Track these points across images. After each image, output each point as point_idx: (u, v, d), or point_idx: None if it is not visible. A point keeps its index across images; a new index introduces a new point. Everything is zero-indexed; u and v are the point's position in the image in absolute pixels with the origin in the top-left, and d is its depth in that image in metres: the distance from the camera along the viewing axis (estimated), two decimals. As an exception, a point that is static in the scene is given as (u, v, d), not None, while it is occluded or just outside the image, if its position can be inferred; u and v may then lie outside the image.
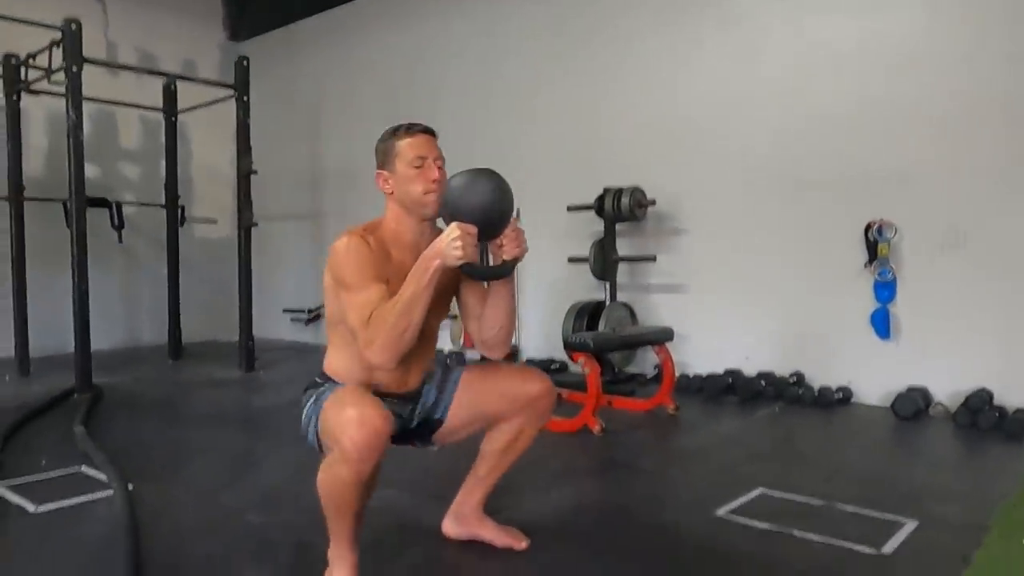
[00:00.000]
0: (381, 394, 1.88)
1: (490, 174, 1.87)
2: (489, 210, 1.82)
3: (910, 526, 2.30)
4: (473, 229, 1.77)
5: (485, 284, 1.97)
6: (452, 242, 1.73)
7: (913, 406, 3.81)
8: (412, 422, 2.04)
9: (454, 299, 2.06)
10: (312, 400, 1.90)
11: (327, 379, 1.95)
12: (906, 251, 4.08)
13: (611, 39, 5.22)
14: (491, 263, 1.89)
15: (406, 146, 1.91)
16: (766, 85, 4.53)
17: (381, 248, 1.89)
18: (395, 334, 1.73)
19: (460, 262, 1.75)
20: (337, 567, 1.87)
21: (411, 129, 1.93)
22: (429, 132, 1.95)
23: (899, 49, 4.07)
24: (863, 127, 4.18)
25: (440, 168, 1.92)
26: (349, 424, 1.66)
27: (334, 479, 1.73)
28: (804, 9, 4.40)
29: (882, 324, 4.12)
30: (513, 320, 2.01)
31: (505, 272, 1.91)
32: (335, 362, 1.96)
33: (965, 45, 3.88)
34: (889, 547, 2.15)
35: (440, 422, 2.07)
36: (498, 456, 2.12)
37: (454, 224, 1.76)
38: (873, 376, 4.17)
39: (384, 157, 1.94)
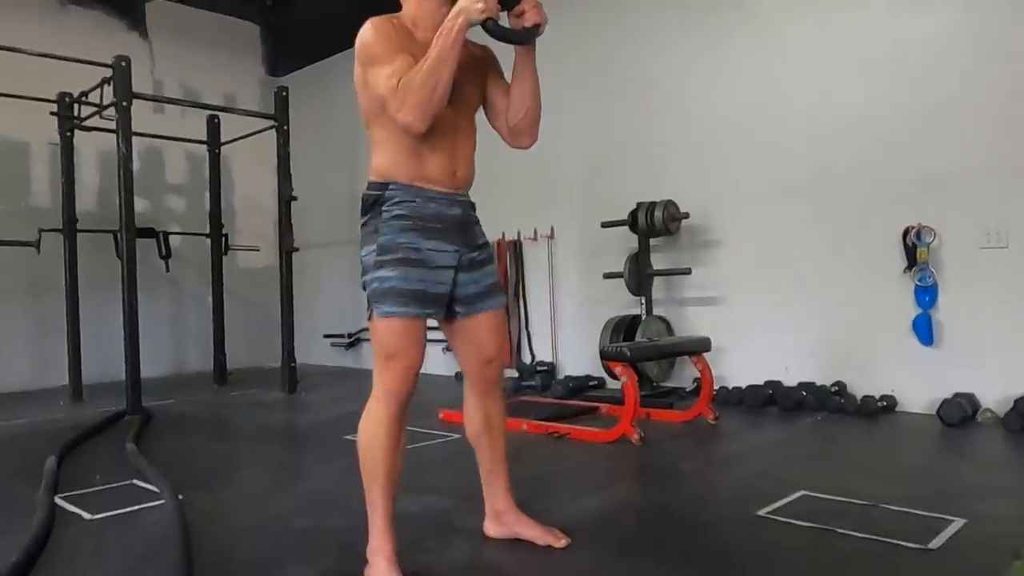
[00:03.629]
0: (435, 217, 1.97)
1: None
2: None
3: (958, 523, 2.25)
4: None
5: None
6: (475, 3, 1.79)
7: (960, 412, 3.73)
8: (459, 277, 2.03)
9: None
10: (373, 254, 1.94)
11: (381, 187, 1.98)
12: (946, 255, 4.02)
13: (637, 53, 5.29)
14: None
15: None
16: (796, 92, 4.54)
17: (404, 28, 1.96)
18: (425, 92, 1.79)
19: (483, 16, 1.80)
20: (375, 562, 1.91)
21: None
22: None
23: (932, 49, 4.04)
24: (896, 130, 4.16)
25: None
26: (385, 375, 1.93)
27: (372, 417, 1.93)
28: (833, 11, 4.39)
29: (924, 330, 4.06)
30: (538, 104, 2.08)
31: (528, 37, 1.96)
32: (381, 160, 2.00)
33: (1002, 44, 3.84)
34: (936, 543, 2.11)
35: (456, 315, 2.09)
36: (485, 440, 2.20)
37: None
38: (917, 384, 4.10)
39: None
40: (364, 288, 1.99)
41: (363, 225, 2.02)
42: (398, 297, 1.90)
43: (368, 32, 1.91)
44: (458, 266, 2.02)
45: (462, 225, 2.05)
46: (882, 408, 4.09)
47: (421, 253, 1.95)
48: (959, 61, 3.96)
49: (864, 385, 4.26)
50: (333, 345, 7.39)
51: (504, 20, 1.92)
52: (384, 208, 1.96)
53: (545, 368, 5.64)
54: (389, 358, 1.91)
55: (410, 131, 1.87)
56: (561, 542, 2.16)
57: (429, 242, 1.96)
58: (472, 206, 2.13)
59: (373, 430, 1.93)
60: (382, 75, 1.85)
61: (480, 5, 1.79)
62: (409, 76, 1.81)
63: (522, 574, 2.04)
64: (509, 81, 2.09)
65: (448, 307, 2.07)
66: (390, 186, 1.97)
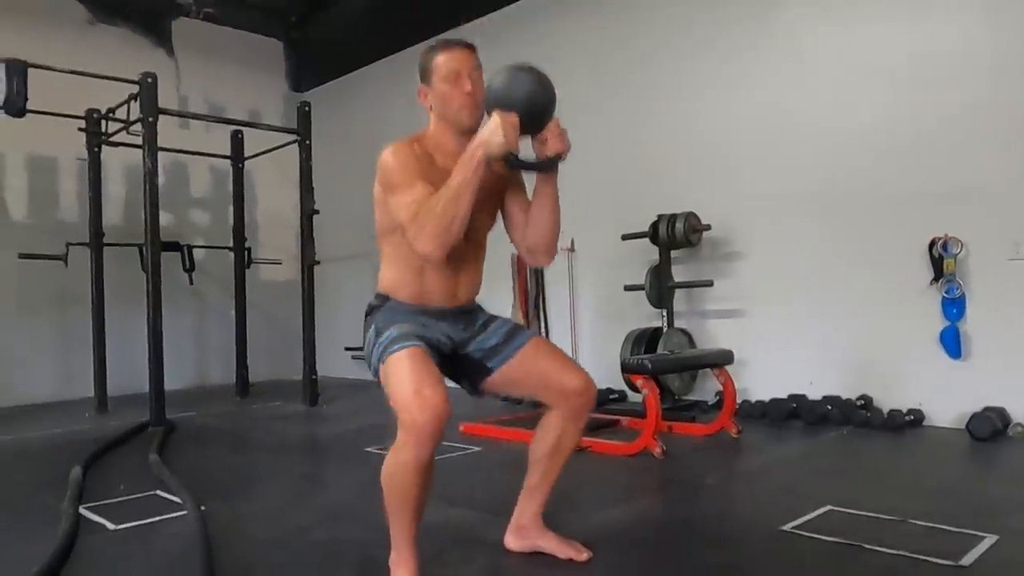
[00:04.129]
0: (432, 312, 1.99)
1: (530, 68, 1.90)
2: (530, 100, 1.84)
3: (990, 540, 2.20)
4: (514, 117, 1.80)
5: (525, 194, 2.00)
6: (494, 130, 1.79)
7: (990, 427, 3.66)
8: (469, 347, 2.07)
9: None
10: (373, 333, 1.97)
11: (383, 299, 2.03)
12: (973, 266, 3.96)
13: (657, 65, 5.28)
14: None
15: (442, 61, 1.97)
16: (819, 103, 4.51)
17: (426, 154, 1.96)
18: (444, 223, 1.79)
19: (503, 150, 1.79)
20: (397, 571, 1.90)
21: (448, 45, 2.00)
22: (466, 46, 2.01)
23: (956, 59, 4.00)
24: (922, 140, 4.11)
25: (476, 80, 1.97)
26: (412, 407, 1.73)
27: (398, 464, 1.79)
28: (854, 22, 4.37)
29: (952, 343, 3.99)
30: (557, 226, 2.05)
31: (549, 166, 1.92)
32: (387, 275, 2.04)
33: (1024, 55, 3.81)
34: (968, 559, 2.06)
35: (491, 371, 2.09)
36: (546, 461, 2.13)
37: (496, 113, 1.81)
38: (945, 397, 4.03)
39: (423, 73, 2.01)
40: (376, 373, 1.95)
41: (365, 320, 2.06)
42: (401, 336, 1.88)
43: (389, 158, 1.91)
44: (457, 344, 2.05)
45: (460, 313, 2.08)
46: (909, 422, 4.02)
47: (420, 320, 1.98)
48: (984, 69, 3.92)
49: (890, 399, 4.20)
50: (354, 358, 7.40)
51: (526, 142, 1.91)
52: (383, 310, 2.02)
53: (566, 381, 5.60)
54: (410, 395, 1.75)
55: (428, 260, 1.88)
56: (583, 556, 2.13)
57: (426, 318, 2.00)
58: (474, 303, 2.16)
59: (400, 476, 1.80)
60: (402, 202, 1.86)
61: (500, 139, 1.78)
62: (428, 206, 1.81)
63: (543, 588, 2.02)
64: (530, 196, 2.07)
65: (480, 369, 2.08)
66: (391, 299, 2.02)
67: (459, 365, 2.09)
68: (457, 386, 2.12)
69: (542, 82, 1.88)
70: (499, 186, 2.05)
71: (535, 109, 1.85)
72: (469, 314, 2.12)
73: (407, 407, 1.74)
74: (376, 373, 1.94)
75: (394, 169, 1.90)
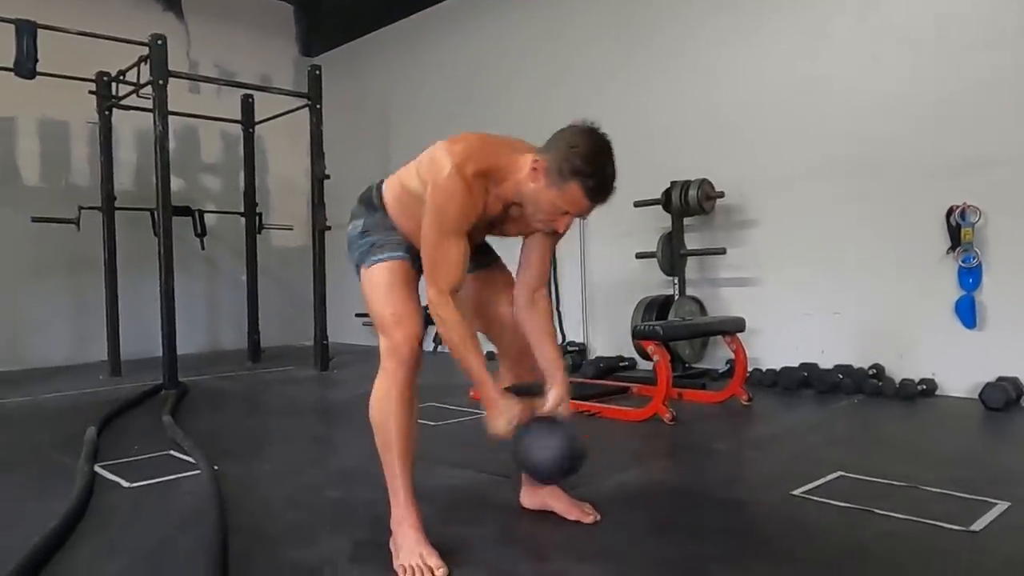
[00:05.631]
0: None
1: (564, 435, 2.02)
2: (549, 472, 2.04)
3: (1002, 506, 2.19)
4: (521, 417, 1.96)
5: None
6: (503, 423, 1.90)
7: (1003, 396, 3.64)
8: None
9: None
10: (360, 228, 2.04)
11: (382, 207, 2.05)
12: (991, 235, 3.91)
13: (673, 29, 5.20)
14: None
15: (576, 194, 1.81)
16: (836, 69, 4.43)
17: (482, 189, 1.85)
18: (447, 340, 1.88)
19: (504, 433, 1.92)
20: (401, 529, 1.90)
21: (597, 187, 1.84)
22: (605, 201, 1.88)
23: (978, 26, 3.92)
24: (940, 108, 4.04)
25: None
26: (389, 328, 1.88)
27: (382, 391, 1.90)
28: (875, -11, 4.28)
29: (967, 312, 3.95)
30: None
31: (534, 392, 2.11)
32: (392, 203, 2.04)
33: (1050, 18, 3.71)
34: (978, 525, 2.06)
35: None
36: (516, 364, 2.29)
37: (512, 411, 1.92)
38: (959, 367, 4.00)
39: (555, 166, 1.81)
40: (357, 271, 2.02)
41: (359, 206, 2.12)
42: (386, 245, 1.97)
43: (447, 190, 1.79)
44: None
45: None
46: (921, 392, 4.00)
47: (407, 245, 2.01)
48: (1005, 36, 3.82)
49: (903, 368, 4.18)
50: (364, 324, 7.42)
51: None
52: (376, 214, 2.06)
53: (576, 348, 5.62)
54: (389, 319, 1.89)
55: None
56: (589, 518, 2.14)
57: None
58: None
59: (385, 401, 1.90)
60: (436, 254, 1.83)
61: (502, 431, 1.92)
62: (450, 322, 1.84)
63: (552, 547, 2.03)
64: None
65: None
66: (388, 217, 2.04)
67: None
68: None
69: (564, 464, 2.01)
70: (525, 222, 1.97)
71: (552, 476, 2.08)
72: None
73: (384, 328, 1.88)
74: (357, 271, 2.02)
75: (446, 204, 1.80)
